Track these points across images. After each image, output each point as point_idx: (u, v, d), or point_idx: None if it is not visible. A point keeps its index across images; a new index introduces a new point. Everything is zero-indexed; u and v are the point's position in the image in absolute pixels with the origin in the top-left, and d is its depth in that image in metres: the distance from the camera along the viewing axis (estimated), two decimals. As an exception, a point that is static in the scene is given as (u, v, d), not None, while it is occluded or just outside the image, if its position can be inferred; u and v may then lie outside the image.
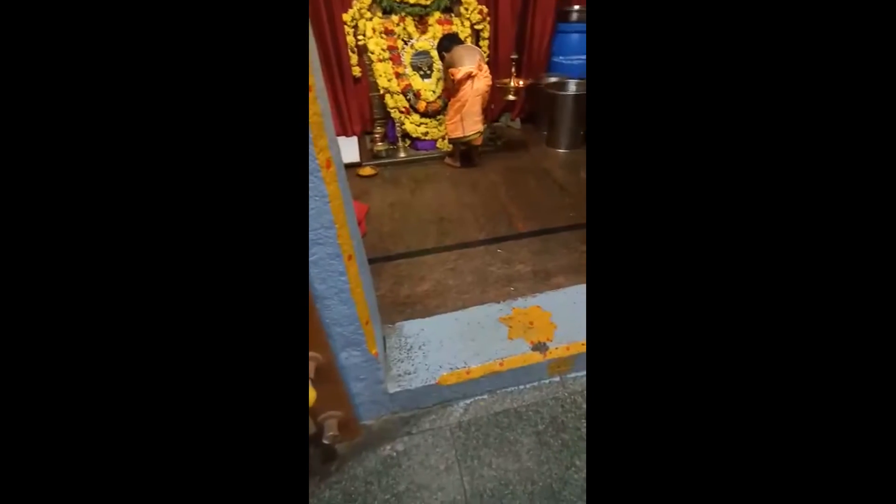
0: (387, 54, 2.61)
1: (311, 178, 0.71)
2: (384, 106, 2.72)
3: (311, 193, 0.73)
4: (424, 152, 2.80)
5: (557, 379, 1.30)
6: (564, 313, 1.38)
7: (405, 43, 2.66)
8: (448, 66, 2.39)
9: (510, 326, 1.35)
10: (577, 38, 2.89)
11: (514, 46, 2.81)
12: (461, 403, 1.24)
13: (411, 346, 1.29)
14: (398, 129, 2.72)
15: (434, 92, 2.74)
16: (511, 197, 2.31)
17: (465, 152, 2.64)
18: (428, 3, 2.56)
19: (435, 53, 2.65)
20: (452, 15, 2.68)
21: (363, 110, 2.87)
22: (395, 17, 2.58)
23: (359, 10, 2.49)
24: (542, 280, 1.67)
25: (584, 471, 1.06)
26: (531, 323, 1.35)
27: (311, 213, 0.75)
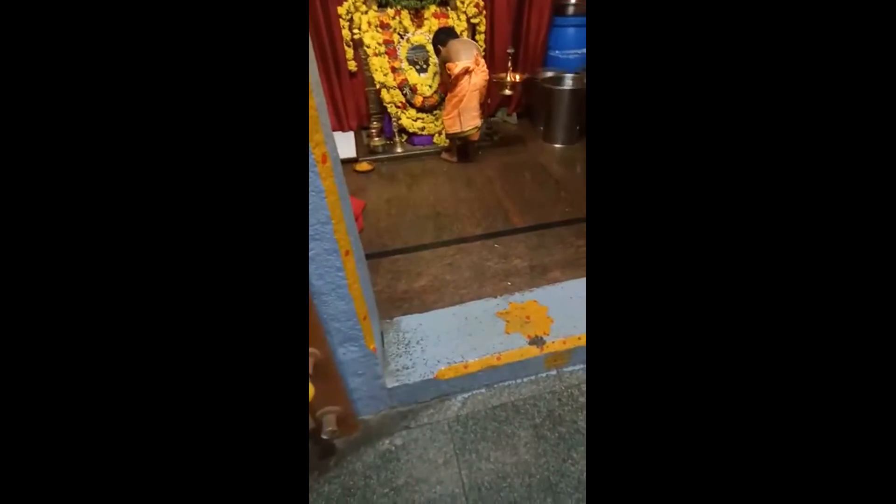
0: (383, 48, 2.60)
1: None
2: (380, 101, 2.70)
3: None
4: (421, 147, 2.79)
5: (554, 373, 1.31)
6: (561, 308, 1.39)
7: (401, 37, 2.64)
8: (444, 60, 2.37)
9: (507, 321, 1.35)
10: (573, 32, 2.88)
11: (510, 40, 2.80)
12: (459, 398, 1.25)
13: (409, 342, 1.30)
14: (394, 124, 2.71)
15: (430, 87, 2.72)
16: (507, 192, 2.31)
17: (461, 147, 2.63)
18: (423, -4, 2.55)
19: (431, 48, 2.63)
20: (448, 8, 2.66)
21: (359, 105, 2.85)
22: (390, 11, 2.56)
23: (354, 3, 2.46)
24: (539, 275, 1.67)
25: (581, 463, 1.08)
26: (528, 317, 1.36)
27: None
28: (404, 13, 2.59)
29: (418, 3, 2.58)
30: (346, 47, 2.59)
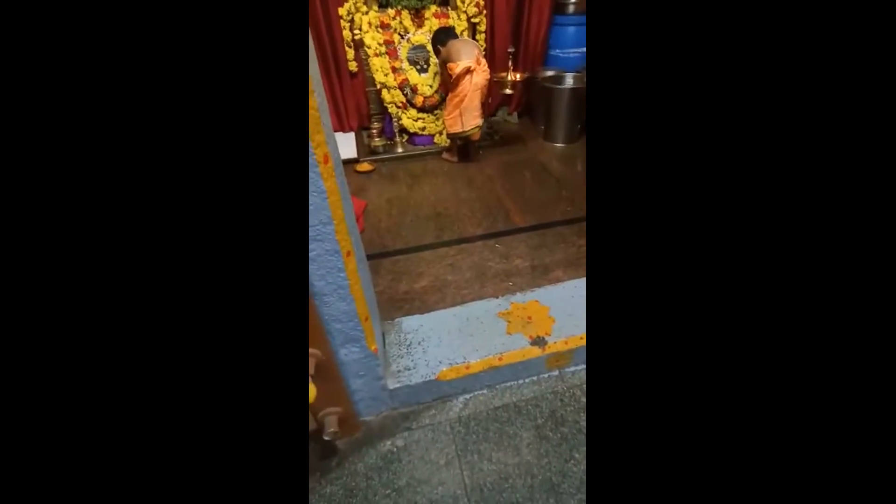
0: (383, 49, 2.60)
1: (309, 173, 0.70)
2: (381, 101, 2.70)
3: (309, 189, 0.72)
4: (422, 147, 2.79)
5: (556, 373, 1.31)
6: (562, 308, 1.39)
7: (401, 37, 2.64)
8: (445, 60, 2.37)
9: (509, 321, 1.35)
10: (573, 31, 2.87)
11: (510, 40, 2.79)
12: (460, 398, 1.25)
13: (410, 342, 1.30)
14: (395, 124, 2.71)
15: (431, 86, 2.72)
16: (508, 192, 2.30)
17: (462, 147, 2.63)
18: (424, -4, 2.54)
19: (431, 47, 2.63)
20: (448, 8, 2.66)
21: (360, 106, 2.85)
22: (391, 11, 2.56)
23: (354, 4, 2.46)
24: (540, 274, 1.67)
25: (583, 464, 1.07)
26: (529, 318, 1.36)
27: (309, 209, 0.74)
28: (405, 13, 2.59)
29: (419, 3, 2.57)
30: (346, 48, 2.58)
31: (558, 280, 1.60)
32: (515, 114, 3.21)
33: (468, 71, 2.29)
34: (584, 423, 1.17)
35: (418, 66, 2.70)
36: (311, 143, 0.67)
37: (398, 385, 1.17)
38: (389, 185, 2.44)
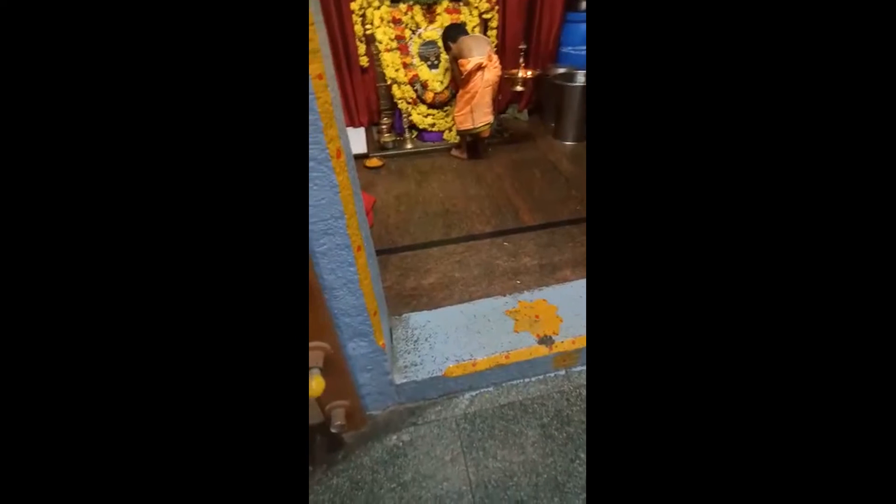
0: (394, 44, 2.59)
1: (321, 167, 0.71)
2: (391, 96, 2.70)
3: (321, 183, 0.72)
4: (431, 144, 2.79)
5: (563, 372, 1.30)
6: (570, 307, 1.38)
7: (413, 32, 2.63)
8: (456, 56, 2.36)
9: (516, 319, 1.35)
10: (585, 29, 2.85)
11: (522, 36, 2.78)
12: (467, 395, 1.25)
13: (418, 338, 1.30)
14: (405, 120, 2.71)
15: (441, 82, 2.71)
16: (517, 189, 2.29)
17: (471, 144, 2.62)
18: (436, -9, 2.53)
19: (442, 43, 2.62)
20: (461, 4, 2.64)
21: (370, 101, 2.85)
22: (402, 6, 2.55)
23: (366, -2, 2.46)
24: (549, 273, 1.66)
25: (589, 463, 1.07)
26: (537, 316, 1.35)
27: (321, 203, 0.75)
28: (417, 9, 2.58)
29: (431, -2, 2.56)
30: (358, 43, 2.58)
31: (566, 279, 1.59)
32: (525, 111, 3.19)
33: (479, 67, 2.28)
34: (590, 423, 1.16)
35: (429, 62, 2.69)
36: (324, 138, 0.68)
37: (405, 380, 1.17)
38: (398, 181, 2.44)
